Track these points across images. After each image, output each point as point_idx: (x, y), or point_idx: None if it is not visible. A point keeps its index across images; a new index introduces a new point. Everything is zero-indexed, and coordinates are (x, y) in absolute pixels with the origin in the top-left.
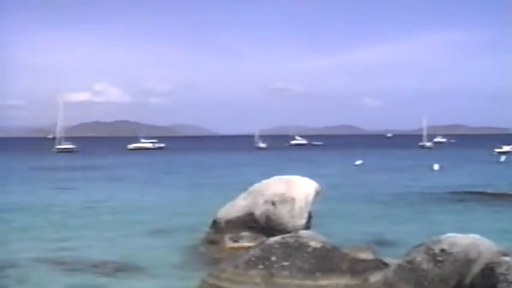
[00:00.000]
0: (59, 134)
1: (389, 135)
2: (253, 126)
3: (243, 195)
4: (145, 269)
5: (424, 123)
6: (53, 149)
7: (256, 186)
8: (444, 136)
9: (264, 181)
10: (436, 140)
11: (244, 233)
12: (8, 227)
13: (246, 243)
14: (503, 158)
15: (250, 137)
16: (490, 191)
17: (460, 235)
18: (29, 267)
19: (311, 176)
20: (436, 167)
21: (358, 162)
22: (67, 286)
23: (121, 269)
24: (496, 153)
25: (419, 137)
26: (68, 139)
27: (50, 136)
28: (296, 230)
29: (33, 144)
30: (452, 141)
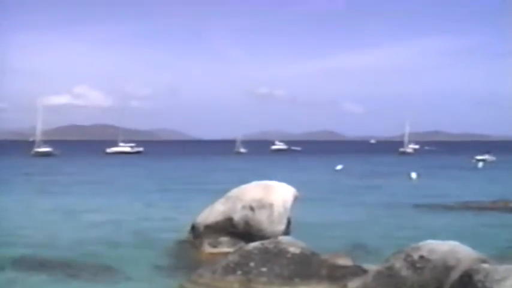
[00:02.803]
0: (38, 137)
1: (372, 141)
2: (235, 132)
3: (222, 200)
4: (122, 274)
5: (407, 130)
6: (31, 152)
7: (235, 191)
8: (418, 143)
9: (243, 186)
10: (410, 146)
11: (223, 238)
12: None
13: (224, 249)
14: (480, 164)
15: (232, 142)
16: (463, 200)
17: (439, 242)
18: (5, 269)
19: (291, 181)
20: (413, 175)
21: (339, 167)
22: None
23: (97, 273)
24: (474, 160)
25: (401, 144)
26: (47, 142)
27: (31, 139)
28: (275, 235)
29: (14, 147)
30: (427, 148)
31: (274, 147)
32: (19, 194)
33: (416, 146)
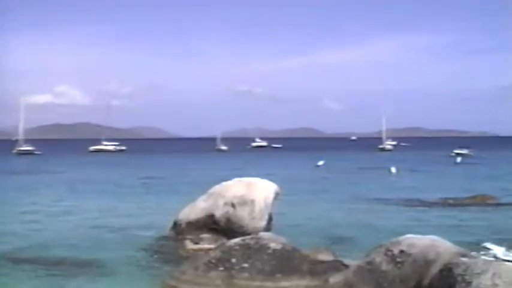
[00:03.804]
0: (20, 136)
1: (353, 138)
2: (216, 129)
3: (203, 197)
4: (104, 270)
5: (383, 126)
6: (13, 151)
7: (217, 188)
8: (396, 139)
9: (224, 183)
10: (388, 142)
11: (205, 235)
12: None
13: (206, 245)
14: (459, 159)
15: (212, 140)
16: (443, 195)
17: (419, 236)
18: None
19: (272, 178)
20: (393, 169)
21: (320, 163)
22: (25, 285)
23: (80, 269)
24: (453, 154)
25: (381, 140)
26: (29, 141)
27: (14, 138)
28: (256, 231)
29: None
30: (403, 144)
31: (254, 144)
32: None
33: (394, 143)
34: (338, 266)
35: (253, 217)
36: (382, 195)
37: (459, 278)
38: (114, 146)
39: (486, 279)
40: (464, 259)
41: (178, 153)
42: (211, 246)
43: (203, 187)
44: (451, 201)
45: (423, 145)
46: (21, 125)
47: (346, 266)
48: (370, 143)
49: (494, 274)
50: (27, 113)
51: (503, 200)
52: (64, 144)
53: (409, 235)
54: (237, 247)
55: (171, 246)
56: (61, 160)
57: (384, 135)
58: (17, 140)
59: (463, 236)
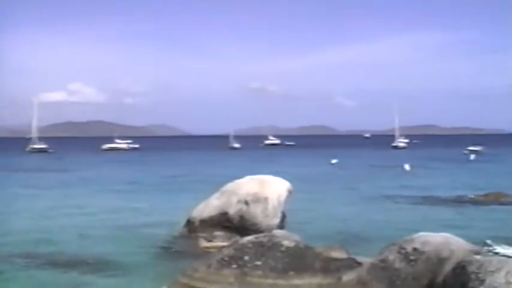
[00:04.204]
0: (33, 134)
1: (367, 135)
2: (228, 127)
3: (217, 194)
4: (118, 267)
5: (396, 124)
6: (27, 149)
7: (230, 185)
8: (410, 137)
9: (237, 181)
10: (399, 140)
11: (218, 233)
12: None
13: (219, 243)
14: (472, 156)
15: (225, 137)
16: (456, 193)
17: (432, 234)
18: (5, 263)
19: (285, 176)
20: (407, 167)
21: (334, 161)
22: (39, 281)
23: (94, 267)
24: (466, 151)
25: (393, 137)
26: (43, 139)
27: (28, 136)
28: (270, 229)
29: (10, 144)
30: (415, 141)
31: (267, 142)
32: (11, 190)
33: (406, 140)
34: (351, 263)
35: (267, 215)
36: (396, 193)
37: (473, 276)
38: (127, 144)
39: (500, 277)
40: (477, 257)
41: (192, 151)
42: (225, 243)
43: (216, 185)
44: (464, 199)
45: (437, 142)
46: (34, 123)
47: (359, 264)
48: (383, 141)
49: (508, 272)
50: (40, 111)
51: None
52: (77, 142)
53: (422, 233)
54: (250, 245)
55: (184, 243)
56: (74, 158)
57: (396, 133)
58: (30, 138)
59: (477, 233)
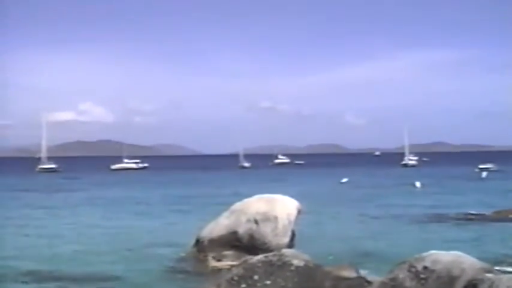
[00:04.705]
0: (43, 153)
1: (377, 153)
2: (238, 146)
3: (226, 214)
4: (127, 287)
5: (406, 142)
6: (36, 169)
7: (239, 205)
8: (419, 154)
9: (246, 200)
10: (408, 158)
11: (228, 252)
12: None
13: (229, 262)
14: (484, 174)
15: (235, 156)
16: (468, 210)
17: (443, 252)
18: (16, 283)
19: (297, 195)
20: (418, 184)
21: (344, 180)
22: None
23: (101, 286)
24: (477, 169)
25: (403, 155)
26: (52, 159)
27: (38, 156)
28: (279, 248)
29: (20, 164)
30: (424, 159)
31: (277, 160)
32: (20, 210)
33: (415, 158)
34: (361, 282)
35: (277, 234)
36: (407, 211)
37: None
38: (136, 164)
39: None
40: (489, 275)
41: (201, 171)
42: (234, 263)
43: (225, 204)
44: (476, 216)
45: (447, 160)
46: (44, 142)
47: (369, 283)
48: (393, 159)
49: None
50: (50, 130)
51: None
52: (86, 162)
53: (433, 251)
54: (259, 264)
55: (193, 263)
56: (83, 178)
57: (406, 151)
58: (40, 158)
59: (488, 251)
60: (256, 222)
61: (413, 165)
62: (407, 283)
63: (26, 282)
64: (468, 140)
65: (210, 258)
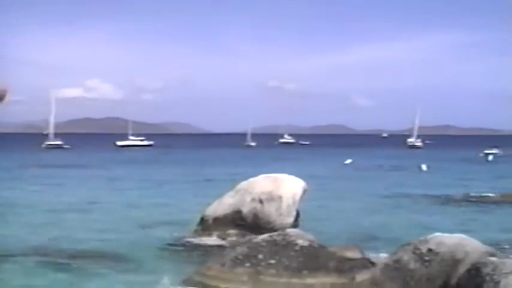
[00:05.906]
0: (50, 130)
1: (384, 135)
2: (246, 125)
3: (231, 193)
4: (131, 265)
5: (416, 123)
6: (43, 145)
7: (244, 184)
8: (422, 137)
9: (251, 179)
10: (410, 140)
11: (232, 231)
12: None
13: (233, 241)
14: (490, 157)
15: (242, 135)
16: (473, 193)
17: (447, 235)
18: (24, 257)
19: (300, 175)
20: (424, 167)
21: (348, 161)
22: (55, 276)
23: (110, 263)
24: (482, 154)
25: (409, 137)
26: (60, 135)
27: (45, 132)
28: (284, 228)
29: (27, 140)
30: (427, 142)
31: (282, 140)
32: (27, 186)
33: (419, 140)
34: (365, 263)
35: (281, 213)
36: (412, 193)
37: (487, 278)
38: (141, 141)
39: None
40: (492, 258)
41: (207, 149)
42: (238, 241)
43: (230, 183)
44: (481, 199)
45: (453, 143)
46: (51, 119)
47: (373, 264)
48: (401, 140)
49: None
50: (57, 107)
51: None
52: (93, 139)
53: (437, 233)
54: (264, 243)
55: (198, 241)
56: (89, 155)
57: (415, 132)
58: (47, 134)
59: (492, 234)
60: (260, 201)
61: (419, 147)
62: (411, 265)
63: (32, 256)
64: (475, 123)
65: (214, 236)
